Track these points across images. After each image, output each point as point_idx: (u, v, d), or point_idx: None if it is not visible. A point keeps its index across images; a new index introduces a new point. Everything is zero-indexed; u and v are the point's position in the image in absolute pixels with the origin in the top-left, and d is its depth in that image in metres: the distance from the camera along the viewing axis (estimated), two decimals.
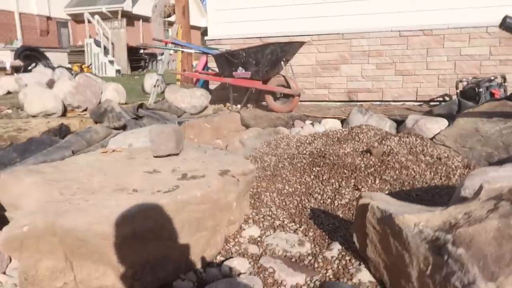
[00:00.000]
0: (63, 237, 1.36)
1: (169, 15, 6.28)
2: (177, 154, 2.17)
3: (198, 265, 1.65)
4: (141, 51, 19.48)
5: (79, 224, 1.33)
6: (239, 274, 1.58)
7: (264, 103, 5.33)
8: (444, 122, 3.77)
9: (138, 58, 19.01)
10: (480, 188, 1.33)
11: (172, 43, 5.07)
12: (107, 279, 1.46)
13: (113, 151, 2.37)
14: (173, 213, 1.48)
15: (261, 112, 5.00)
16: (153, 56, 20.80)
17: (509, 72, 4.97)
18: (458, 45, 5.24)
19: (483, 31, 5.11)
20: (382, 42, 5.50)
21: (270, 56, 4.53)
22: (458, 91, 4.83)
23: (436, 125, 3.73)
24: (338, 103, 5.84)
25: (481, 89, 4.38)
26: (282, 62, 4.73)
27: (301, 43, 4.80)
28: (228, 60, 4.74)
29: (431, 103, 5.42)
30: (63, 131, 3.28)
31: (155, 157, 2.14)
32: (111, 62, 15.85)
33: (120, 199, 1.48)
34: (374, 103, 5.68)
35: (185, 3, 6.02)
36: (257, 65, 4.63)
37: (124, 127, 3.39)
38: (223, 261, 1.70)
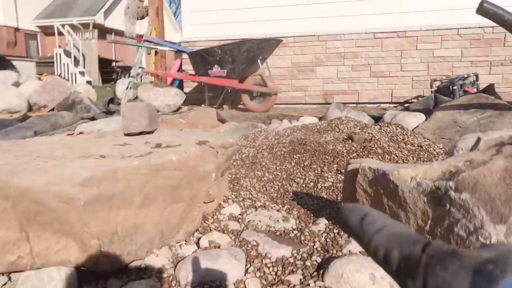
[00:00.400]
0: (17, 200, 1.19)
1: (143, 17, 6.14)
2: (150, 132, 2.01)
3: (173, 241, 1.49)
4: (114, 63, 19.11)
5: (36, 184, 1.16)
6: (219, 247, 1.43)
7: (240, 105, 5.23)
8: (422, 116, 3.78)
9: (110, 71, 18.61)
10: (478, 140, 1.26)
11: (145, 40, 4.93)
12: (69, 253, 1.29)
13: (80, 133, 2.20)
14: (146, 178, 1.33)
15: (237, 112, 4.90)
16: (125, 69, 20.44)
17: (481, 73, 5.08)
18: (431, 46, 5.34)
19: (455, 33, 5.24)
20: (357, 44, 5.54)
21: (247, 54, 4.45)
22: (432, 90, 4.89)
23: (414, 119, 3.73)
24: (314, 106, 5.81)
25: (455, 87, 4.44)
26: (258, 61, 4.66)
27: (278, 41, 4.76)
28: (203, 58, 4.63)
29: (406, 105, 5.46)
30: None
31: (126, 134, 1.97)
32: (82, 73, 15.43)
33: (85, 162, 1.32)
34: (350, 105, 5.68)
35: (159, 4, 5.90)
36: (233, 63, 4.54)
37: (92, 120, 3.19)
38: (201, 238, 1.55)
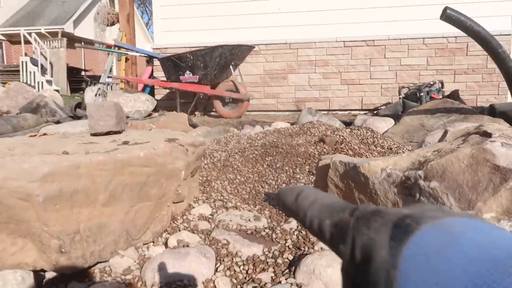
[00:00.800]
0: None
1: (113, 23, 6.03)
2: (118, 132, 1.94)
3: (140, 242, 1.43)
4: (83, 72, 18.68)
5: None
6: (188, 246, 1.38)
7: (213, 112, 5.19)
8: (391, 121, 3.86)
9: (79, 80, 18.16)
10: (445, 132, 1.28)
11: (115, 46, 4.83)
12: (26, 255, 1.21)
13: (44, 134, 2.10)
14: (111, 174, 1.28)
15: (209, 119, 4.86)
16: (95, 79, 19.99)
17: (446, 81, 5.26)
18: (399, 55, 5.49)
19: (420, 42, 5.41)
20: (327, 52, 5.63)
21: (219, 59, 4.44)
22: (401, 96, 5.02)
23: (383, 124, 3.80)
24: (287, 113, 5.84)
25: (422, 94, 4.57)
26: (231, 67, 4.65)
27: (250, 48, 4.77)
28: (175, 64, 4.58)
29: (375, 112, 5.58)
30: None
31: (92, 134, 1.90)
32: (49, 82, 14.99)
33: (46, 157, 1.25)
34: (322, 112, 5.74)
35: (129, 11, 5.82)
36: (205, 69, 4.51)
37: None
38: (169, 238, 1.49)
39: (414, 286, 0.18)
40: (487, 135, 1.14)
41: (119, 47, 4.94)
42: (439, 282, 0.17)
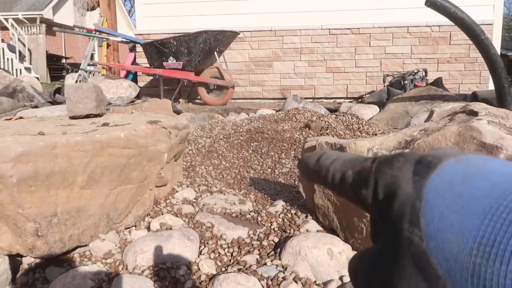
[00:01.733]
0: None
1: (93, 8, 5.86)
2: (98, 116, 1.88)
3: (122, 226, 1.39)
4: (64, 60, 18.23)
5: None
6: (171, 229, 1.35)
7: (197, 100, 5.12)
8: (376, 108, 3.87)
9: (59, 67, 17.72)
10: (432, 112, 1.26)
11: (96, 30, 4.69)
12: (0, 240, 1.16)
13: (20, 117, 2.03)
14: (90, 155, 1.23)
15: (193, 106, 4.79)
16: (76, 66, 19.53)
17: (429, 70, 5.30)
18: (383, 43, 5.50)
19: (405, 31, 5.43)
20: (313, 40, 5.60)
21: (203, 45, 4.36)
22: (385, 84, 5.04)
23: (368, 111, 3.80)
24: (272, 100, 5.81)
25: (406, 82, 4.59)
26: (215, 53, 4.58)
27: (235, 34, 4.70)
28: (158, 50, 4.49)
29: (360, 100, 5.60)
30: None
31: (71, 118, 1.83)
32: (28, 69, 14.58)
33: (20, 138, 1.19)
34: (307, 100, 5.73)
35: None
36: (189, 55, 4.43)
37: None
38: (151, 222, 1.45)
39: (439, 212, 0.18)
40: (473, 113, 1.13)
41: (100, 32, 4.80)
42: (464, 205, 0.18)
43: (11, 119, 2.00)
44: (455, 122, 1.07)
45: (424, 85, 4.77)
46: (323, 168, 0.27)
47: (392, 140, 1.17)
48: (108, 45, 5.86)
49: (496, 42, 5.35)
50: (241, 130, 2.96)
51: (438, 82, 4.33)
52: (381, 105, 3.92)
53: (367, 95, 5.65)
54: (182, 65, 4.47)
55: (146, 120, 1.60)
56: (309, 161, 0.30)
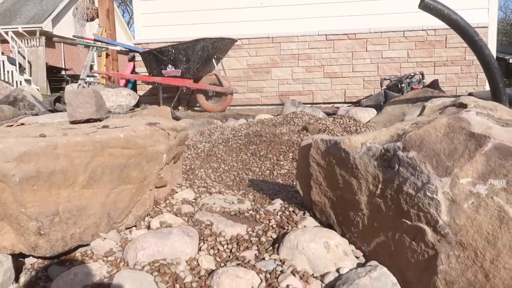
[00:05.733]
0: None
1: (92, 19, 5.94)
2: (98, 120, 1.92)
3: (123, 225, 1.41)
4: (63, 72, 18.34)
5: None
6: (171, 226, 1.37)
7: (196, 107, 5.16)
8: (373, 111, 3.90)
9: (59, 79, 17.82)
10: (424, 107, 1.30)
11: (95, 40, 4.75)
12: (3, 238, 1.18)
13: (22, 124, 2.06)
14: (90, 155, 1.26)
15: (193, 113, 4.83)
16: (75, 78, 19.62)
17: (426, 73, 5.35)
18: (380, 48, 5.55)
19: (401, 35, 5.49)
20: (310, 46, 5.66)
21: (201, 53, 4.41)
22: (382, 88, 5.08)
23: (366, 114, 3.84)
24: (271, 106, 5.85)
25: (403, 85, 4.64)
26: (213, 60, 4.63)
27: (232, 41, 4.76)
28: (157, 58, 4.54)
29: (357, 104, 5.64)
30: None
31: (71, 122, 1.87)
32: (28, 81, 14.68)
33: (22, 139, 1.22)
34: (306, 105, 5.77)
35: (109, 6, 5.73)
36: (187, 62, 4.48)
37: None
38: (151, 221, 1.48)
39: None
40: (463, 106, 1.16)
41: (100, 42, 4.86)
42: None
43: (12, 125, 2.04)
44: (445, 115, 1.11)
45: (421, 87, 4.81)
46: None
47: (385, 134, 1.20)
48: (107, 55, 5.92)
49: (492, 45, 5.41)
50: (239, 134, 3.00)
51: (434, 84, 4.37)
52: (379, 108, 3.96)
53: (364, 99, 5.70)
54: (180, 73, 4.52)
55: (145, 122, 1.63)
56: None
